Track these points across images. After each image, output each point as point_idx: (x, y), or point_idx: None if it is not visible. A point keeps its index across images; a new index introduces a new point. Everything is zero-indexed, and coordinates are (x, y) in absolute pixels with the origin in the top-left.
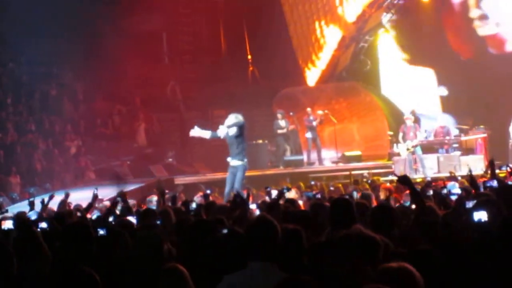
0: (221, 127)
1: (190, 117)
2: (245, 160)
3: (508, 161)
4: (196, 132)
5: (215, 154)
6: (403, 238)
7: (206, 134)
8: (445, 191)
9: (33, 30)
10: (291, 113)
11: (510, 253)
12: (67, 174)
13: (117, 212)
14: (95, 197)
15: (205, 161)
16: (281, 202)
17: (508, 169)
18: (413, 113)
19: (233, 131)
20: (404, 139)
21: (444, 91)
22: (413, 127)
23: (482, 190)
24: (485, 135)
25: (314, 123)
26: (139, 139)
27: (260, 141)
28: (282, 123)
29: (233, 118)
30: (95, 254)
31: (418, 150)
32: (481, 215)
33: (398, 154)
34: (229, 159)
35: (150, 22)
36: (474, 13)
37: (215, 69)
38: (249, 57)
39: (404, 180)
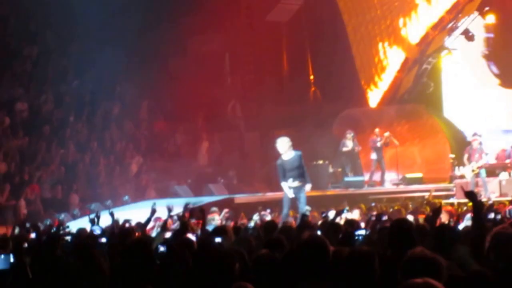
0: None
1: (250, 137)
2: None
3: None
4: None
5: (275, 173)
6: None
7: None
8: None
9: (97, 48)
10: (352, 134)
11: None
12: (128, 191)
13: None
14: (153, 211)
15: (266, 181)
16: (341, 222)
17: None
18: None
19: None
20: (469, 161)
21: None
22: (478, 149)
23: None
24: None
25: (379, 144)
26: (201, 158)
27: (321, 162)
28: (349, 143)
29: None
30: (156, 272)
31: (483, 173)
32: None
33: (460, 177)
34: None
35: (212, 42)
36: None
37: (277, 89)
38: (311, 77)
39: (471, 195)
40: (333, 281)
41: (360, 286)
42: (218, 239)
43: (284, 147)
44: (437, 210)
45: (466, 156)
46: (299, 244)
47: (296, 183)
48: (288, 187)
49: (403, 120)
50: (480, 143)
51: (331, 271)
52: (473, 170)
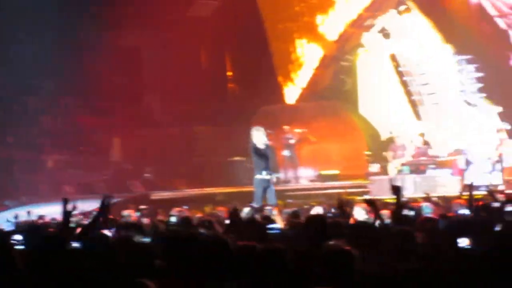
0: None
1: (169, 133)
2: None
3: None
4: None
5: (196, 170)
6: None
7: None
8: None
9: (16, 42)
10: (268, 131)
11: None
12: (44, 187)
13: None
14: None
15: (185, 177)
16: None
17: (489, 191)
18: (421, 135)
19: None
20: (394, 158)
21: None
22: (402, 146)
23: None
24: (464, 156)
25: (292, 141)
26: (118, 154)
27: (238, 158)
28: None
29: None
30: (66, 267)
31: (406, 170)
32: (464, 242)
33: (375, 174)
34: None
35: (132, 37)
36: None
37: (195, 85)
38: (230, 73)
39: (397, 190)
40: (239, 279)
41: (270, 282)
42: (138, 236)
43: (261, 139)
44: (341, 205)
45: (390, 153)
46: (200, 243)
47: (269, 175)
48: (261, 179)
49: (320, 117)
50: (403, 140)
51: (236, 269)
52: (396, 167)
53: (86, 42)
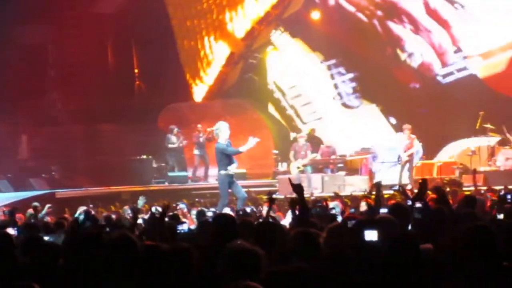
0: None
1: (73, 130)
2: None
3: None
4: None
5: (101, 169)
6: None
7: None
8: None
9: None
10: (176, 129)
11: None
12: None
13: None
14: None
15: (91, 176)
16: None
17: (401, 189)
18: (312, 131)
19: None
20: (296, 158)
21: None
22: (305, 146)
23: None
24: (370, 155)
25: (201, 140)
26: (22, 152)
27: (145, 156)
28: (173, 138)
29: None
30: None
31: (308, 169)
32: (371, 235)
33: (283, 173)
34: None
35: (36, 33)
36: (403, 56)
37: (101, 82)
38: (136, 71)
39: (298, 189)
40: (143, 279)
41: (175, 282)
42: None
43: (227, 133)
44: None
45: (292, 153)
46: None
47: (233, 170)
48: (226, 174)
49: (228, 115)
50: (310, 140)
51: (141, 269)
52: (298, 167)
53: None
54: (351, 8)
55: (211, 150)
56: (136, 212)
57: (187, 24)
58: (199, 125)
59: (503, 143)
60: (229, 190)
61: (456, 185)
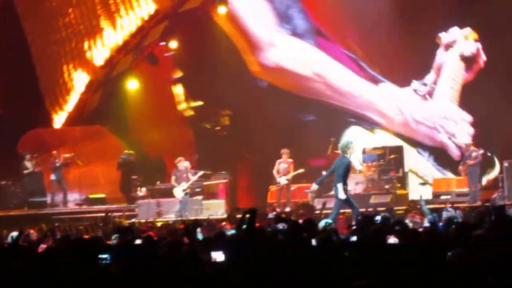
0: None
1: None
2: None
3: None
4: None
5: None
6: None
7: None
8: None
9: None
10: (35, 155)
11: None
12: None
13: None
14: None
15: None
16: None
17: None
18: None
19: None
20: (178, 182)
21: None
22: (185, 170)
23: None
24: (226, 180)
25: (58, 165)
26: None
27: (4, 182)
28: (28, 164)
29: None
30: None
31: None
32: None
33: (141, 198)
34: None
35: None
36: None
37: None
38: None
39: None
40: None
41: None
42: None
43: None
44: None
45: (173, 178)
46: None
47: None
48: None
49: (88, 141)
50: (186, 165)
51: None
52: (184, 190)
53: None
54: None
55: (68, 175)
56: None
57: (47, 51)
58: (54, 152)
59: None
60: None
61: (307, 208)
